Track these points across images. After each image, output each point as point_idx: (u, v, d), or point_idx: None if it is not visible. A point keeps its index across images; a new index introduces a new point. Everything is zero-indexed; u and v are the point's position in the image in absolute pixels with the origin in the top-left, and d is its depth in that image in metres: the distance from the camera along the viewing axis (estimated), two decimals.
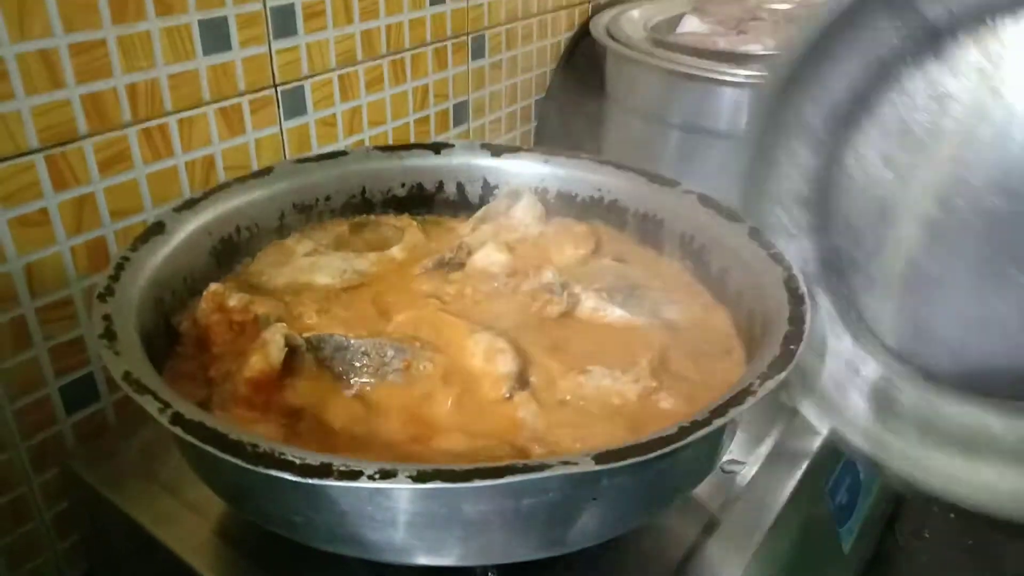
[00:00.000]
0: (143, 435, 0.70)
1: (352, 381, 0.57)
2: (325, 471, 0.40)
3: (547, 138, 1.23)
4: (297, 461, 0.41)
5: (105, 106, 0.66)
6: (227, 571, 0.58)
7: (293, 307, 0.65)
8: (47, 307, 0.66)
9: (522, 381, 0.57)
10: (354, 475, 0.40)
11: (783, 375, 0.48)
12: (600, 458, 0.41)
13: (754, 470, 0.68)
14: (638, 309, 0.66)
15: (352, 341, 0.57)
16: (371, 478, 0.39)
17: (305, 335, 0.59)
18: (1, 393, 0.65)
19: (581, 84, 1.20)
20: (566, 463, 0.40)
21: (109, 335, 0.50)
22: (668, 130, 0.91)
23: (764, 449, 0.70)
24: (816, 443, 0.71)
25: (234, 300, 0.62)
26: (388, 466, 0.40)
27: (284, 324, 0.58)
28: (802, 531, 0.67)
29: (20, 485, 0.69)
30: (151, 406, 0.44)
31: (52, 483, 0.71)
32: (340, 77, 0.87)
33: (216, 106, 0.74)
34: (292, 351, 0.58)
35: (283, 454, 0.41)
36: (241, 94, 0.76)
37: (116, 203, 0.69)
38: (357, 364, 0.57)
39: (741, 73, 0.83)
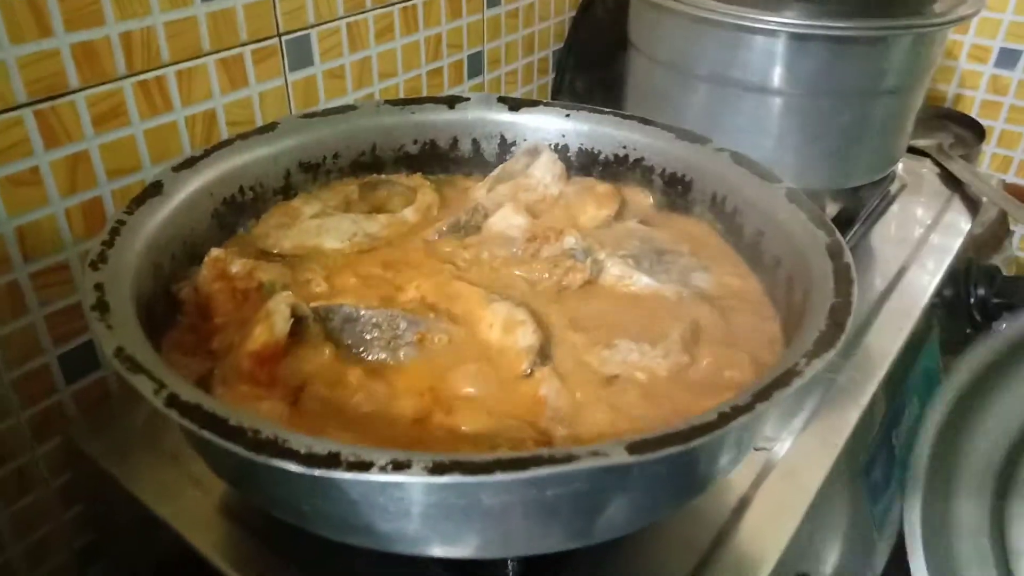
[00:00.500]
0: (146, 404, 0.67)
1: (363, 354, 0.53)
2: (332, 461, 0.37)
3: (565, 91, 1.17)
4: (302, 450, 0.37)
5: (98, 56, 0.61)
6: (231, 550, 0.56)
7: (300, 273, 0.61)
8: (42, 272, 0.63)
9: (543, 355, 0.53)
10: (364, 466, 0.36)
11: (831, 353, 0.44)
12: (634, 448, 0.37)
13: (786, 446, 0.64)
14: (666, 277, 0.61)
15: (363, 312, 0.54)
16: (383, 469, 0.36)
17: (312, 305, 0.55)
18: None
19: (602, 33, 1.13)
20: (596, 454, 0.37)
21: (101, 306, 0.46)
22: (695, 82, 0.86)
23: (797, 423, 0.66)
24: (853, 417, 0.67)
25: (237, 266, 0.59)
26: (401, 456, 0.37)
27: (290, 293, 0.55)
28: (838, 511, 0.64)
29: (23, 455, 0.67)
30: (144, 387, 0.41)
31: (55, 453, 0.68)
32: (348, 26, 0.81)
33: (216, 57, 0.70)
34: (298, 321, 0.55)
35: (287, 442, 0.38)
36: (243, 44, 0.71)
37: (112, 161, 0.65)
38: (368, 337, 0.54)
39: (774, 19, 0.77)
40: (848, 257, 0.52)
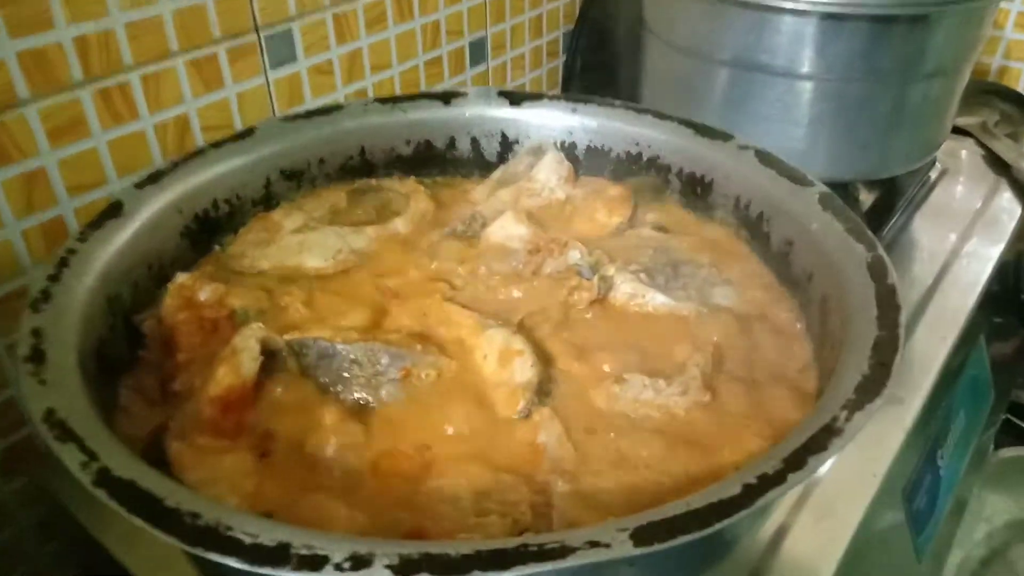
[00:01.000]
0: None
1: (341, 394, 0.48)
2: (281, 556, 0.31)
3: (576, 77, 1.10)
4: (247, 540, 0.32)
5: (49, 64, 0.55)
6: None
7: (278, 297, 0.55)
8: (0, 300, 0.58)
9: (542, 392, 0.47)
10: (317, 563, 0.31)
11: (877, 403, 0.37)
12: (640, 537, 0.31)
13: (821, 477, 0.58)
14: (683, 293, 0.55)
15: (339, 347, 0.48)
16: (339, 568, 0.30)
17: (286, 337, 0.49)
18: None
19: (617, 11, 1.06)
20: (595, 544, 0.31)
21: (36, 357, 0.41)
22: (717, 68, 0.78)
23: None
24: (896, 441, 0.60)
25: (206, 293, 0.53)
26: (363, 548, 0.31)
27: (260, 325, 0.49)
28: (878, 546, 0.57)
29: None
30: (72, 459, 0.35)
31: (26, 491, 0.64)
32: (335, 16, 0.75)
33: (187, 57, 0.64)
34: (271, 356, 0.49)
35: (230, 529, 0.32)
36: (216, 41, 0.65)
37: (73, 177, 0.59)
38: (346, 375, 0.48)
39: None
40: (893, 278, 0.45)
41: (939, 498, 0.65)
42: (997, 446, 0.87)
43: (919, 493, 0.63)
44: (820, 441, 0.35)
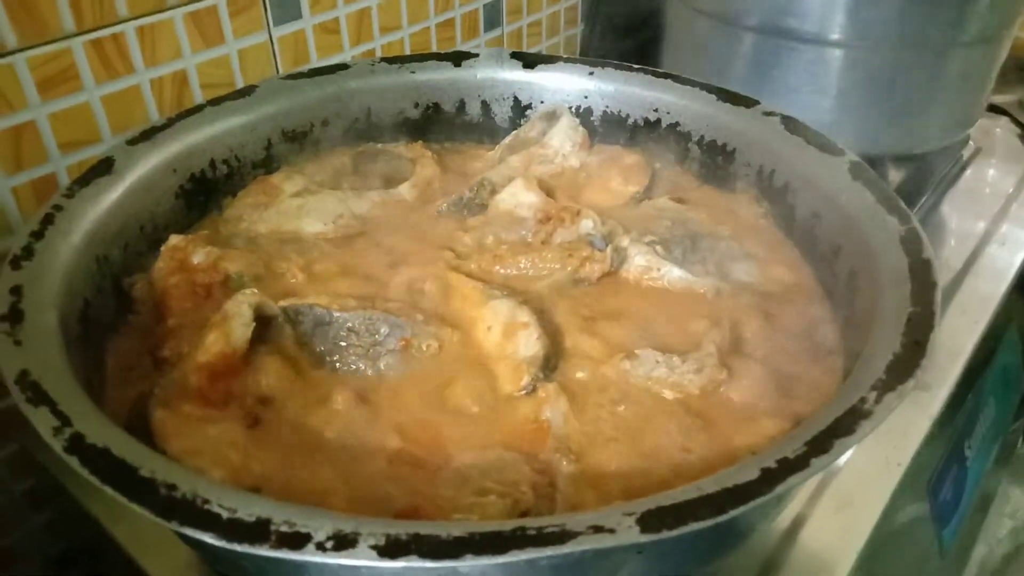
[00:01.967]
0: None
1: (337, 364, 0.45)
2: (260, 533, 0.29)
3: (594, 45, 1.06)
4: (224, 515, 0.29)
5: (38, 10, 0.53)
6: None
7: (274, 263, 0.53)
8: None
9: (548, 367, 0.44)
10: (298, 541, 0.28)
11: (910, 384, 0.34)
12: (647, 523, 0.28)
13: (841, 465, 0.55)
14: (702, 268, 0.52)
15: (336, 315, 0.46)
16: (321, 547, 0.28)
17: (281, 303, 0.47)
18: None
19: None
20: (598, 529, 0.28)
21: (13, 316, 0.39)
22: (742, 33, 0.74)
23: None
24: (922, 429, 0.57)
25: (199, 256, 0.51)
26: (347, 525, 0.29)
27: (254, 291, 0.47)
28: (900, 539, 0.55)
29: None
30: (43, 424, 0.33)
31: (16, 458, 0.62)
32: None
33: (184, 9, 0.61)
34: (265, 322, 0.47)
35: (207, 503, 0.30)
36: None
37: (65, 132, 0.57)
38: (343, 343, 0.46)
39: None
40: (929, 252, 0.42)
41: (965, 491, 0.62)
42: None
43: (944, 485, 0.60)
44: (847, 424, 0.32)
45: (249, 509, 0.30)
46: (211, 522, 0.29)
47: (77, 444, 0.32)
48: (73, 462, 0.32)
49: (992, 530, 0.80)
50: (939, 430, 0.59)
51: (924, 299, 0.39)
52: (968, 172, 0.90)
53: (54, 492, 0.56)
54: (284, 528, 0.29)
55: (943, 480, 0.59)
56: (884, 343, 0.37)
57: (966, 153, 0.92)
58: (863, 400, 0.34)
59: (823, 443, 0.31)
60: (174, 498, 0.30)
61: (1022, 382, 0.77)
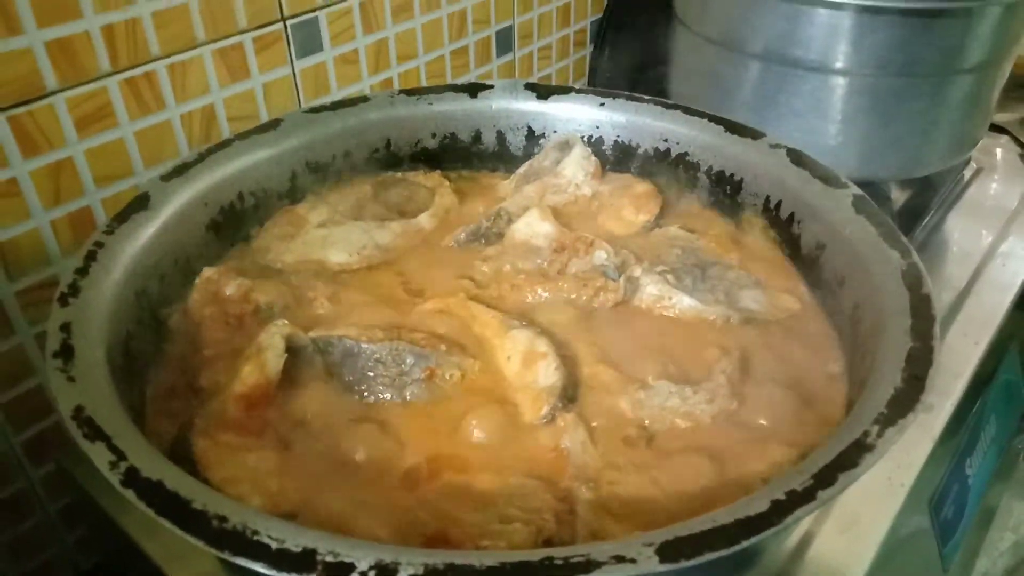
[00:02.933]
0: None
1: (365, 393, 0.48)
2: (307, 563, 0.31)
3: (603, 67, 1.08)
4: (273, 545, 0.32)
5: (76, 53, 0.55)
6: None
7: (302, 292, 0.55)
8: (28, 289, 0.59)
9: (567, 397, 0.46)
10: (343, 570, 0.31)
11: (911, 418, 0.37)
12: (666, 553, 0.31)
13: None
14: (711, 297, 0.54)
15: (364, 346, 0.48)
16: None
17: (311, 334, 0.49)
18: None
19: (644, 1, 1.04)
20: (620, 559, 0.30)
21: (65, 352, 0.41)
22: (748, 61, 0.77)
23: None
24: (924, 449, 0.59)
25: (231, 288, 0.53)
26: (388, 556, 0.31)
27: (285, 322, 0.49)
28: (903, 558, 0.57)
29: (17, 480, 0.63)
30: (101, 459, 0.35)
31: (52, 477, 0.65)
32: (361, 5, 0.74)
33: (213, 47, 0.63)
34: (295, 352, 0.49)
35: (256, 533, 0.32)
36: (243, 31, 0.65)
37: (100, 167, 0.60)
38: (370, 373, 0.48)
39: None
40: (928, 287, 0.44)
41: (967, 508, 0.64)
42: None
43: (946, 503, 0.62)
44: (851, 457, 0.35)
45: (296, 540, 0.32)
46: (261, 552, 0.31)
47: (133, 478, 0.35)
48: (130, 495, 0.34)
49: (994, 543, 0.82)
50: (941, 449, 0.61)
51: (924, 334, 0.41)
52: (970, 191, 0.92)
53: (87, 507, 0.58)
54: (329, 558, 0.31)
55: (945, 498, 0.61)
56: (886, 377, 0.39)
57: (968, 172, 0.94)
58: (866, 434, 0.36)
59: (829, 476, 0.34)
60: (225, 529, 0.32)
61: (1023, 398, 0.79)
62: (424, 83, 0.84)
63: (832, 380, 0.48)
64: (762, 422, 0.45)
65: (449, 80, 0.87)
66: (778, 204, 0.58)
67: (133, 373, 0.47)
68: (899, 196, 0.87)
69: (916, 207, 0.86)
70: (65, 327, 0.43)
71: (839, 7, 0.69)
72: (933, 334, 0.41)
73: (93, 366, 0.41)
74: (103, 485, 0.52)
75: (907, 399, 0.37)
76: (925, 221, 0.85)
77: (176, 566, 0.53)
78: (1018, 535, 0.83)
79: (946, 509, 0.61)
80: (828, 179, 0.55)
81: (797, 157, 0.58)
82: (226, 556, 0.31)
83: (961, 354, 0.69)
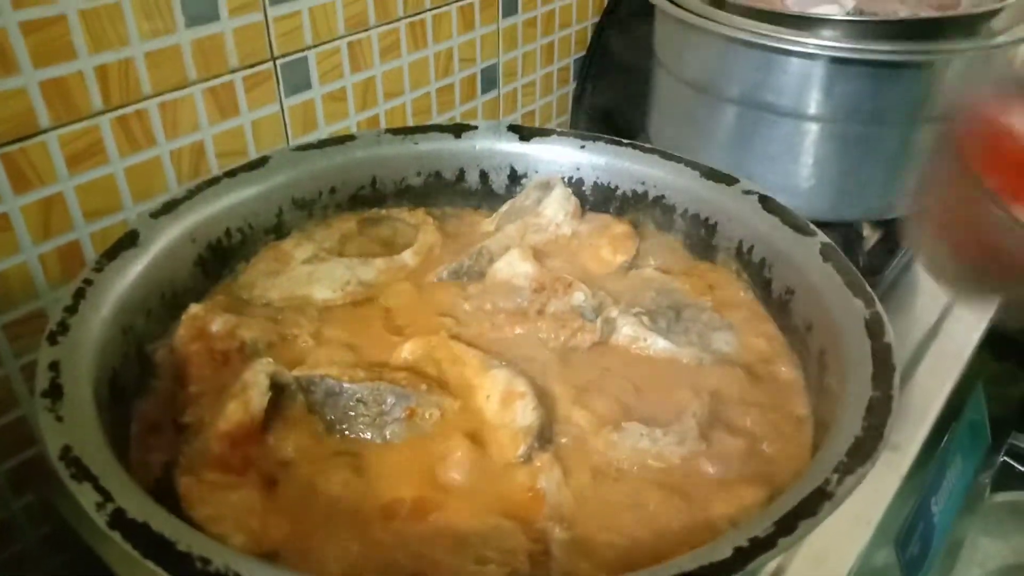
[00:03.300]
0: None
1: (347, 432, 0.49)
2: None
3: (586, 103, 1.11)
4: None
5: (70, 92, 0.57)
6: None
7: (286, 328, 0.56)
8: (15, 322, 0.59)
9: (543, 438, 0.48)
10: None
11: (868, 467, 0.39)
12: None
13: None
14: (685, 339, 0.56)
15: (346, 386, 0.49)
16: None
17: (295, 373, 0.50)
18: None
19: (628, 39, 1.07)
20: None
21: (53, 391, 0.42)
22: (725, 105, 0.79)
23: None
24: (891, 488, 0.61)
25: (217, 324, 0.54)
26: None
27: (270, 360, 0.50)
28: None
29: (1, 509, 0.64)
30: (87, 500, 0.36)
31: (34, 507, 0.65)
32: (350, 45, 0.76)
33: (204, 86, 0.65)
34: (279, 389, 0.50)
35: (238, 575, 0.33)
36: (233, 71, 0.66)
37: (90, 203, 0.61)
38: (352, 413, 0.49)
39: (811, 41, 0.71)
40: (890, 336, 0.46)
41: (932, 545, 0.66)
42: (995, 488, 0.88)
43: (912, 540, 0.64)
44: (811, 505, 0.36)
45: None
46: None
47: (119, 519, 0.35)
48: (116, 537, 0.35)
49: None
50: (907, 487, 0.63)
51: (884, 384, 0.43)
52: None
53: (68, 536, 0.59)
54: None
55: (911, 535, 0.63)
56: (846, 425, 0.41)
57: None
58: (827, 481, 0.38)
59: (789, 524, 0.35)
60: (208, 572, 0.34)
61: (988, 436, 0.81)
62: (410, 119, 0.86)
63: (799, 423, 0.50)
64: (730, 464, 0.47)
65: (435, 116, 0.89)
66: (750, 249, 0.60)
67: (118, 408, 0.48)
68: (872, 235, 0.89)
69: (888, 246, 0.88)
70: (54, 366, 0.44)
71: (811, 57, 0.72)
72: (893, 384, 0.43)
73: (81, 404, 0.42)
74: (82, 515, 0.53)
75: (866, 449, 0.39)
76: (896, 260, 0.87)
77: None
78: (985, 570, 0.85)
79: (912, 546, 0.63)
80: (798, 226, 0.57)
81: (768, 204, 0.60)
82: None
83: (928, 394, 0.71)
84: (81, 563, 0.67)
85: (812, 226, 0.57)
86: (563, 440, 0.48)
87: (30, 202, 0.57)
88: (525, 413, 0.49)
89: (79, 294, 0.49)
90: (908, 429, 0.67)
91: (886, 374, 0.44)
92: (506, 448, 0.47)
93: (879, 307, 0.49)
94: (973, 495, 0.82)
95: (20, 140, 0.55)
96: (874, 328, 0.47)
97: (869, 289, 0.50)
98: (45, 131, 0.56)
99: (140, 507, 0.36)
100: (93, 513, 0.36)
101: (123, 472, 0.39)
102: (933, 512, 0.66)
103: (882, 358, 0.45)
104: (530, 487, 0.45)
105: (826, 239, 0.55)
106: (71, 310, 0.48)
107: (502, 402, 0.50)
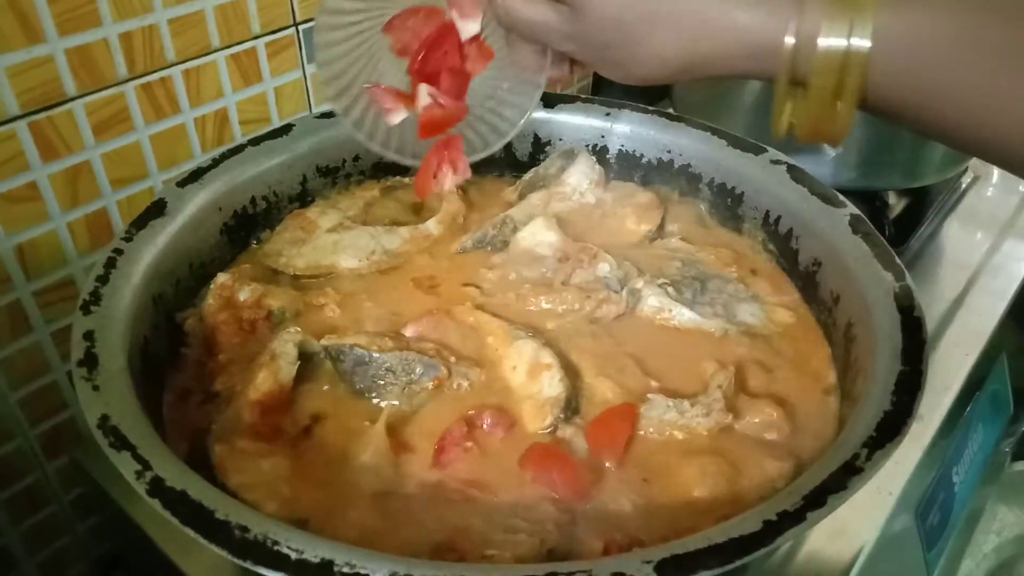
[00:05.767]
0: None
1: (375, 400, 0.49)
2: (324, 573, 0.33)
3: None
4: (293, 556, 0.34)
5: (95, 61, 0.57)
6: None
7: (313, 297, 0.57)
8: (46, 289, 0.60)
9: (569, 409, 0.48)
10: None
11: (898, 441, 0.39)
12: (663, 570, 0.33)
13: None
14: (710, 310, 0.56)
15: (375, 356, 0.50)
16: None
17: (323, 342, 0.51)
18: (3, 381, 0.60)
19: None
20: (621, 575, 0.32)
21: (89, 361, 0.43)
22: (748, 81, 0.78)
23: None
24: (913, 458, 0.61)
25: (245, 293, 0.55)
26: (401, 568, 0.33)
27: (298, 330, 0.51)
28: (890, 566, 0.59)
29: (33, 472, 0.65)
30: (127, 468, 0.37)
31: (66, 469, 0.66)
32: None
33: (227, 52, 0.64)
34: (307, 358, 0.51)
35: (276, 544, 0.34)
36: (256, 36, 0.66)
37: (116, 170, 0.61)
38: (381, 382, 0.50)
39: None
40: (920, 310, 0.46)
41: (952, 514, 0.66)
42: (1015, 458, 0.88)
43: (932, 510, 0.64)
44: (840, 480, 0.36)
45: (315, 551, 0.34)
46: (281, 562, 0.33)
47: (158, 487, 0.36)
48: (156, 504, 0.36)
49: (979, 546, 0.84)
50: (929, 458, 0.63)
51: (914, 358, 0.43)
52: (966, 199, 0.93)
53: (100, 498, 0.60)
54: (346, 569, 0.33)
55: (932, 505, 0.63)
56: (875, 399, 0.41)
57: (965, 181, 0.95)
58: (855, 456, 0.38)
59: (819, 498, 0.36)
60: (247, 540, 0.34)
61: (1010, 406, 0.81)
62: None
63: (825, 395, 0.50)
64: (756, 435, 0.47)
65: None
66: (777, 219, 0.60)
67: (151, 377, 0.48)
68: (897, 204, 0.88)
69: (913, 215, 0.87)
70: (88, 335, 0.44)
71: None
72: (923, 358, 0.43)
73: (116, 374, 0.43)
74: (114, 477, 0.55)
75: (895, 423, 0.39)
76: (921, 230, 0.86)
77: (184, 554, 0.55)
78: (1001, 538, 0.85)
79: (932, 516, 0.63)
80: (826, 197, 0.57)
81: (797, 174, 0.59)
82: (248, 565, 0.33)
83: (952, 365, 0.71)
84: (112, 525, 0.69)
85: (841, 197, 0.56)
86: (589, 411, 0.49)
87: (58, 171, 0.57)
88: (552, 384, 0.49)
89: (110, 263, 0.49)
90: (931, 399, 0.66)
91: (916, 348, 0.44)
92: (532, 419, 0.48)
93: (909, 280, 0.48)
94: (993, 465, 0.82)
95: (47, 108, 0.55)
96: (904, 301, 0.47)
97: (899, 261, 0.50)
98: (72, 99, 0.56)
99: (178, 475, 0.37)
100: (133, 481, 0.36)
101: (159, 440, 0.40)
102: (954, 482, 0.66)
103: (912, 332, 0.45)
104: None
105: (855, 210, 0.55)
106: (102, 280, 0.48)
107: (528, 373, 0.50)
